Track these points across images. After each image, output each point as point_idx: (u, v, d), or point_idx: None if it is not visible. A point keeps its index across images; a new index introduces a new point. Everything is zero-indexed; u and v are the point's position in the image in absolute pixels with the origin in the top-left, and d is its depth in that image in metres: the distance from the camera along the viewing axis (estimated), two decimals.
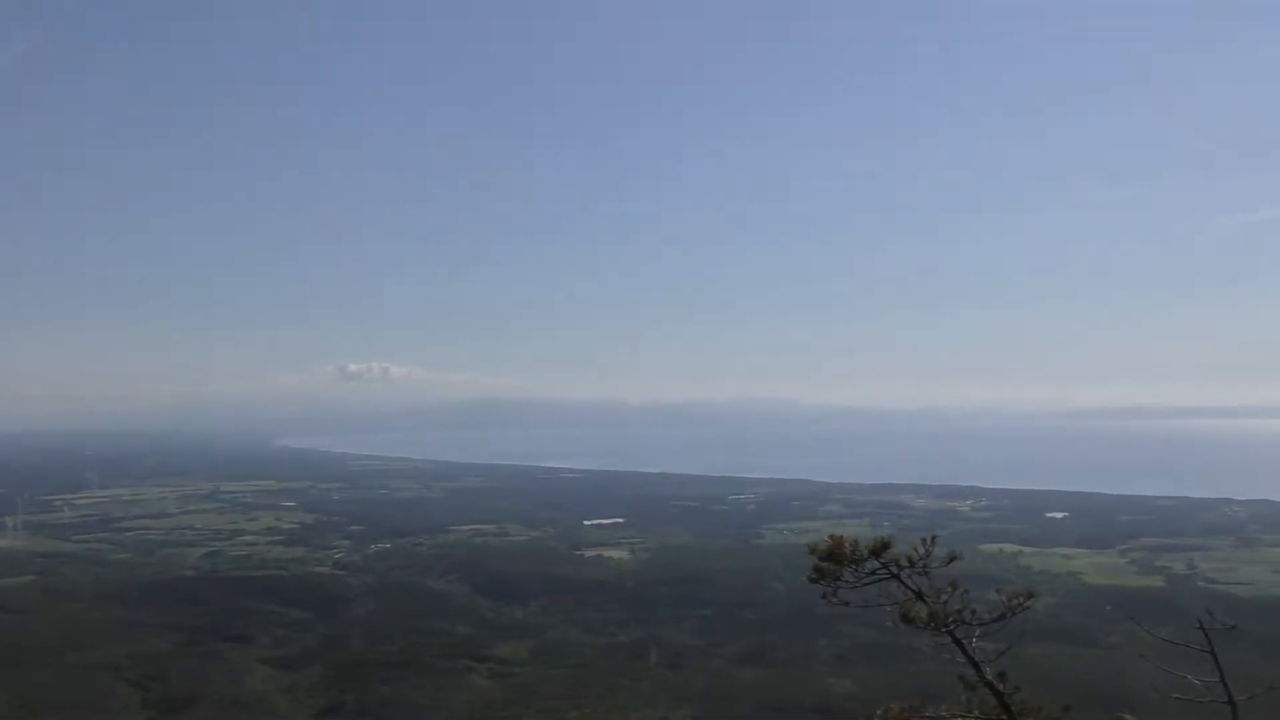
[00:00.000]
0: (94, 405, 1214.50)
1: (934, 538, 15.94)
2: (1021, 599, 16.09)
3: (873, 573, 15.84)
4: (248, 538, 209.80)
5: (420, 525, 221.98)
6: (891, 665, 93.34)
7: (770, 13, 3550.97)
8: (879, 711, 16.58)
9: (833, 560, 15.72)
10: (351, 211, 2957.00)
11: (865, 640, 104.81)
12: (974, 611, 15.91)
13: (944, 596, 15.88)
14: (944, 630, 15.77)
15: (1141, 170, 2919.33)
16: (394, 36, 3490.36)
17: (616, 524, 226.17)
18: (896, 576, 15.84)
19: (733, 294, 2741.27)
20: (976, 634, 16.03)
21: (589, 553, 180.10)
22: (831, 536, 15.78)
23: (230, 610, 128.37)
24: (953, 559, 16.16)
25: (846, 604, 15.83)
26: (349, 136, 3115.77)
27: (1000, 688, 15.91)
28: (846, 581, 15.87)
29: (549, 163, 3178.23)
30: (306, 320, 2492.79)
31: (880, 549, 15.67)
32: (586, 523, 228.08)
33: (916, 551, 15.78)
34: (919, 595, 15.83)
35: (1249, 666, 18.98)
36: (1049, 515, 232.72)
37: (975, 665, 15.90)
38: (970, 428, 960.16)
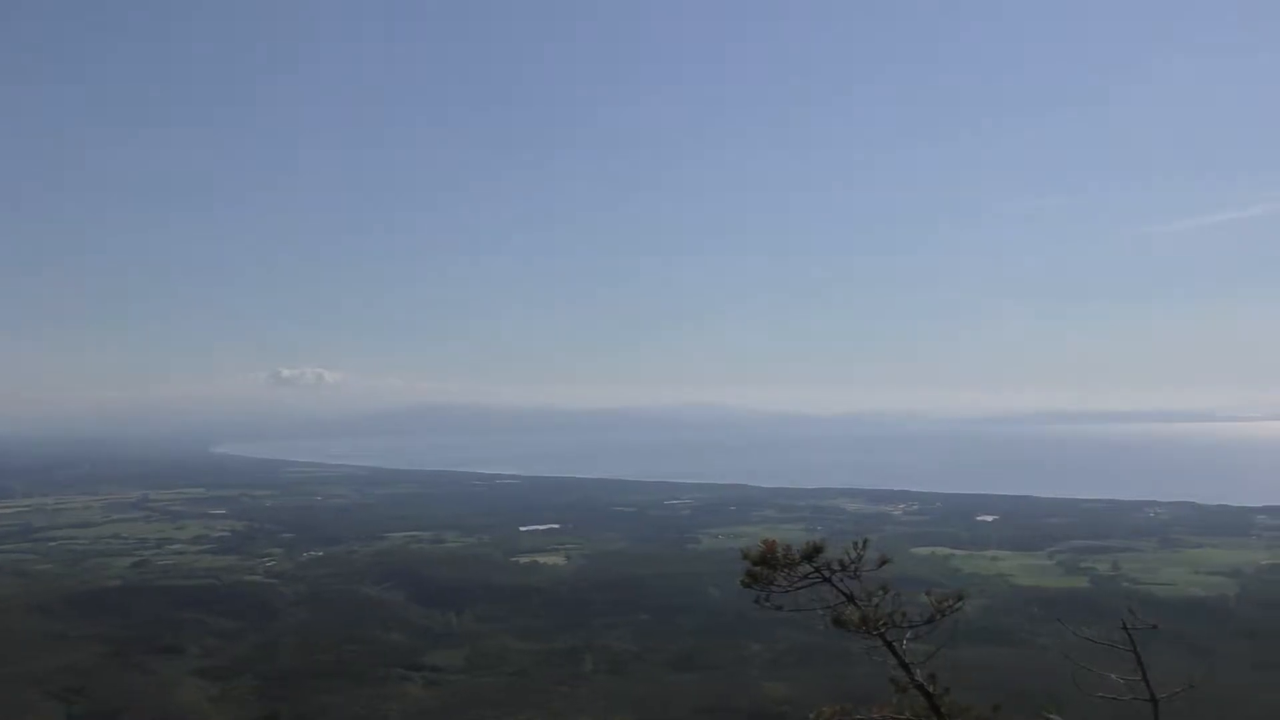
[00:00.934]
0: (21, 411, 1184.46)
1: (865, 541, 16.14)
2: (951, 601, 16.37)
3: (805, 577, 16.00)
4: (176, 546, 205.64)
5: (354, 532, 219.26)
6: (825, 668, 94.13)
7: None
8: (812, 714, 16.73)
9: (766, 565, 15.86)
10: (284, 217, 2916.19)
11: (800, 644, 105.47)
12: (904, 614, 16.14)
13: (875, 599, 16.10)
14: (875, 633, 15.98)
15: (1073, 181, 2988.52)
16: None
17: (552, 530, 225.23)
18: (829, 580, 16.02)
19: (671, 301, 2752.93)
20: (907, 636, 16.27)
21: (524, 559, 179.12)
22: (764, 541, 15.92)
23: (158, 620, 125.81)
24: (884, 562, 16.38)
25: (779, 608, 15.97)
26: (283, 140, 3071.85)
27: (930, 689, 16.15)
28: (779, 586, 16.01)
29: (481, 169, 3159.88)
30: (239, 326, 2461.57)
31: (812, 553, 15.84)
32: (522, 529, 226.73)
33: (848, 555, 15.97)
34: (851, 599, 16.03)
35: (1170, 665, 19.42)
36: (979, 518, 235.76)
37: (906, 667, 16.14)
38: (903, 432, 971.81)
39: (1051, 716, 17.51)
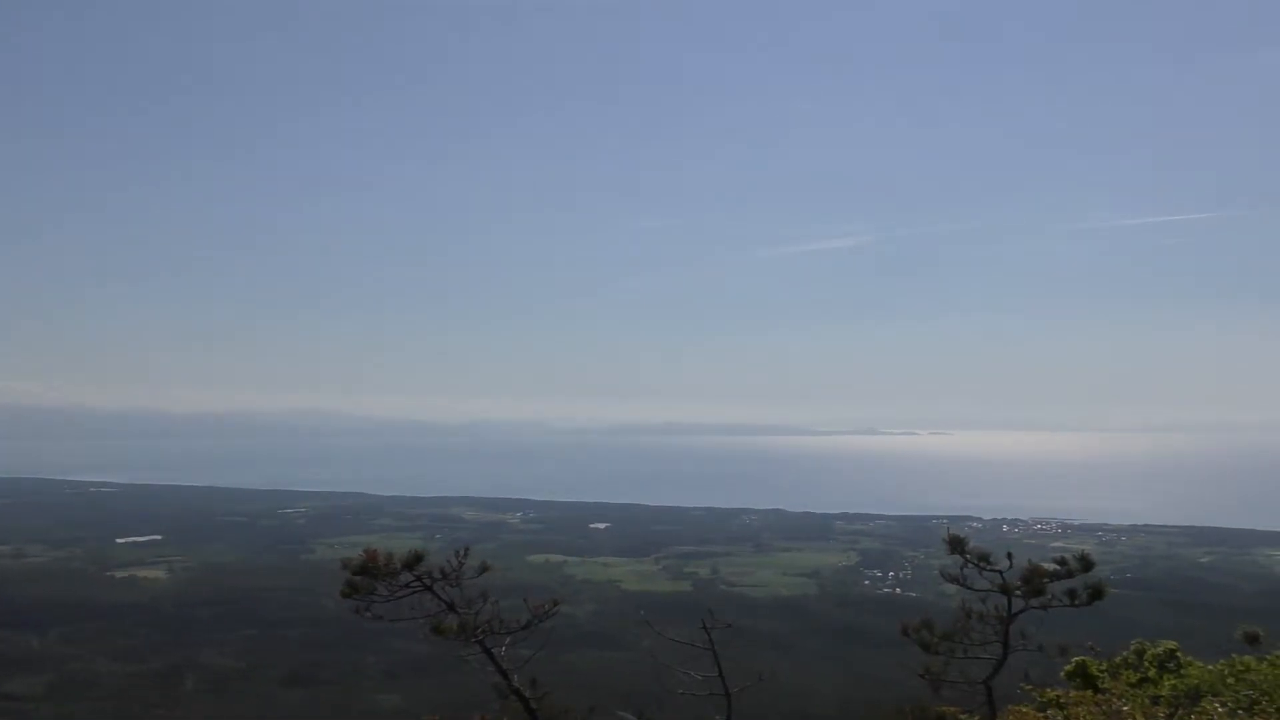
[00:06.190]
0: None
1: (467, 549, 16.54)
2: (547, 607, 17.10)
3: (407, 585, 16.17)
4: None
5: None
6: (440, 677, 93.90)
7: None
8: None
9: (366, 574, 15.88)
10: None
11: (416, 654, 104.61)
12: (503, 621, 16.69)
13: (476, 607, 16.52)
14: (474, 640, 16.42)
15: (682, 204, 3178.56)
16: None
17: (154, 541, 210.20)
18: (429, 589, 16.27)
19: (290, 298, 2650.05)
20: (507, 643, 16.83)
21: (122, 573, 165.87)
22: (366, 550, 15.93)
23: None
24: (485, 569, 16.79)
25: (380, 618, 16.06)
26: None
27: (527, 694, 16.80)
28: (381, 595, 16.09)
29: (55, 141, 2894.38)
30: None
31: (414, 562, 16.03)
32: (119, 541, 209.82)
33: (450, 563, 16.31)
34: (451, 606, 16.38)
35: (752, 660, 21.37)
36: (592, 526, 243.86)
37: (504, 674, 16.71)
38: (519, 442, 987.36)
39: (625, 716, 18.67)
